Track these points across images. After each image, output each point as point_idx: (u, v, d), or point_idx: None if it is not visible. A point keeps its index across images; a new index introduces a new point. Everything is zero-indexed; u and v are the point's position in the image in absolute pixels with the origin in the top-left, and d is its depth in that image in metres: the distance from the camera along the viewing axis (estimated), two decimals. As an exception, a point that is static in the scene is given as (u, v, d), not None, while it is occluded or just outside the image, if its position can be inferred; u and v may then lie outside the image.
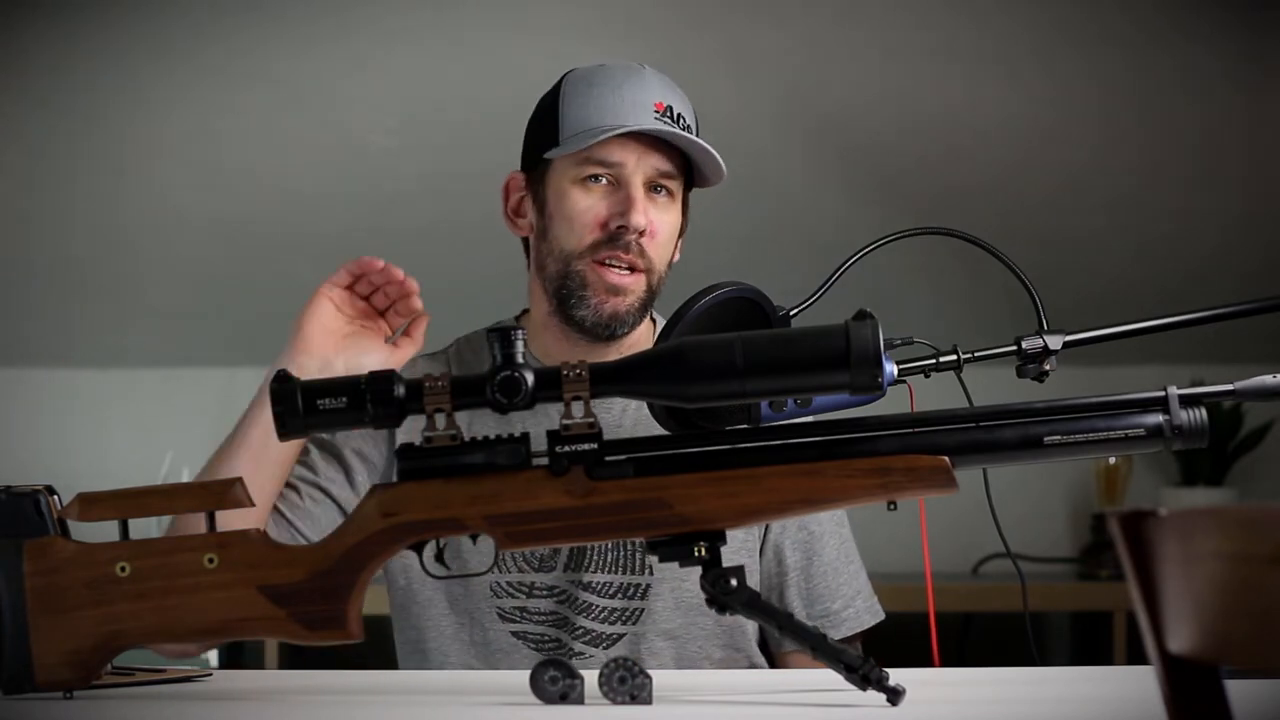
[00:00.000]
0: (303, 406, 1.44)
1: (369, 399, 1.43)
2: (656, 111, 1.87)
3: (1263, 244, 3.75)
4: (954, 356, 1.56)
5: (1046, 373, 1.58)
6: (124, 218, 3.66)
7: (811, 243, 3.66)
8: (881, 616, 1.98)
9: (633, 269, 1.88)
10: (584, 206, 1.88)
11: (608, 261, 1.87)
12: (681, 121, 1.89)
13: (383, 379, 1.44)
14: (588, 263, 1.88)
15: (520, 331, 1.44)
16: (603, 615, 1.89)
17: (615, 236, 1.87)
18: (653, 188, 1.89)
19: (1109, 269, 3.82)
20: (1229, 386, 1.45)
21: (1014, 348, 1.58)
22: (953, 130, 3.55)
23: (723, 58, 3.43)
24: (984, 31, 3.39)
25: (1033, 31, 3.40)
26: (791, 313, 1.59)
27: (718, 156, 1.90)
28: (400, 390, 1.43)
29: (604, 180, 1.88)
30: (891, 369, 1.49)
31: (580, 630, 1.89)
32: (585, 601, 1.89)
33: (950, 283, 3.81)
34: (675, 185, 1.90)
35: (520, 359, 1.43)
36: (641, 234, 1.87)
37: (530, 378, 1.42)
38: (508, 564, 1.91)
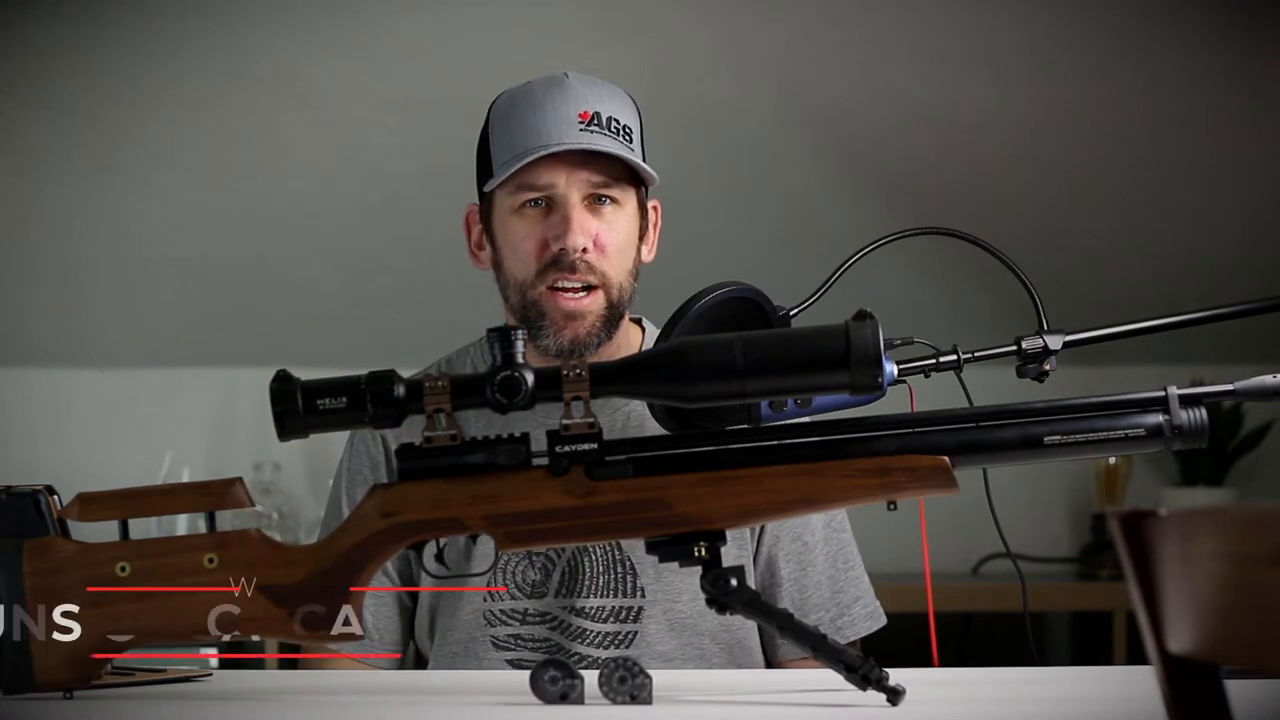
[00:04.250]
0: (303, 406, 1.44)
1: (369, 399, 1.43)
2: (581, 122, 1.84)
3: (1273, 245, 3.75)
4: (954, 356, 1.56)
5: (1046, 373, 1.58)
6: (124, 217, 3.66)
7: (811, 242, 3.66)
8: (882, 622, 1.95)
9: (587, 287, 1.86)
10: (524, 234, 1.86)
11: (559, 284, 1.85)
12: (614, 125, 1.85)
13: (382, 379, 1.44)
14: (541, 291, 1.86)
15: (520, 331, 1.44)
16: (596, 640, 1.88)
17: (559, 259, 1.85)
18: (596, 199, 1.86)
19: (1116, 270, 3.82)
20: (1229, 386, 1.45)
21: (1014, 348, 1.58)
22: (955, 129, 3.55)
23: (721, 56, 3.43)
24: (986, 32, 3.39)
25: (1033, 31, 3.40)
26: (791, 313, 1.59)
27: (646, 166, 1.86)
28: (400, 390, 1.43)
29: (540, 204, 1.86)
30: (891, 369, 1.49)
31: (576, 656, 1.87)
32: (579, 627, 1.88)
33: (951, 283, 3.81)
34: (618, 191, 1.87)
35: (520, 359, 1.43)
36: (585, 252, 1.84)
37: (530, 377, 1.42)
38: (500, 594, 1.90)
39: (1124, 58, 3.43)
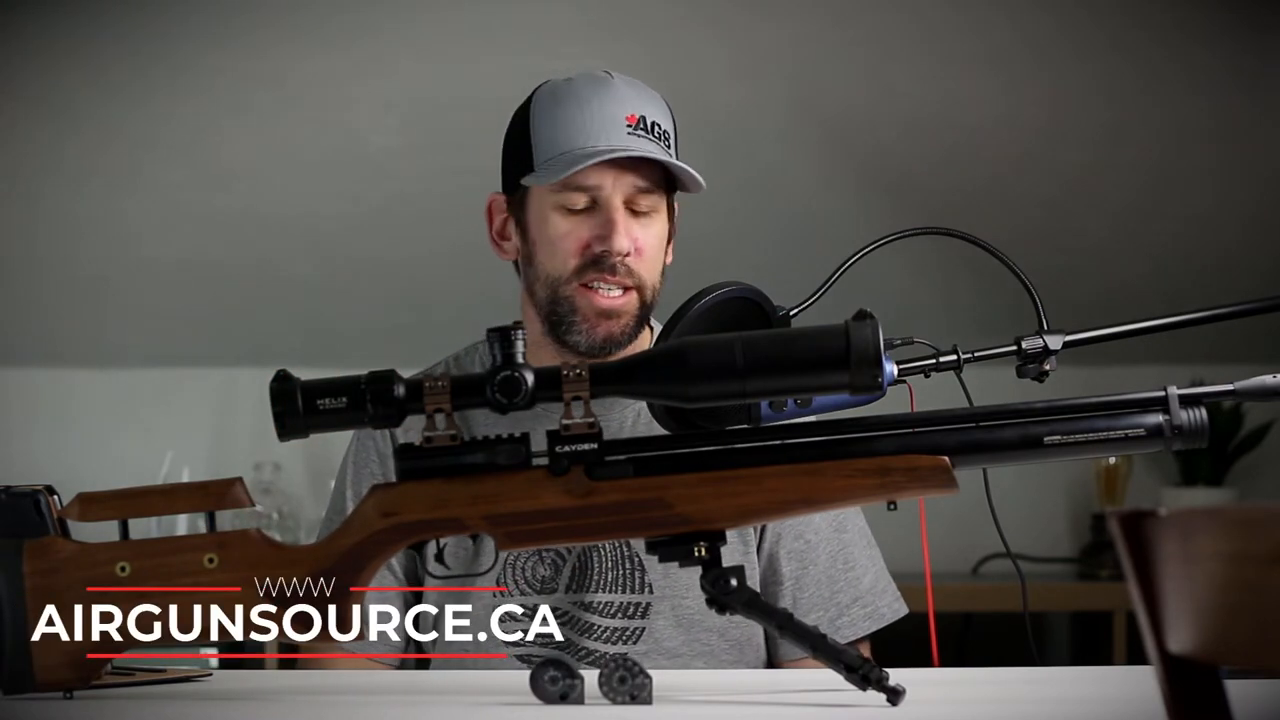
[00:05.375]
0: (303, 406, 1.44)
1: (369, 399, 1.43)
2: (629, 125, 1.84)
3: (1274, 245, 3.75)
4: (954, 356, 1.56)
5: (1046, 373, 1.58)
6: (125, 217, 3.66)
7: (811, 242, 3.66)
8: (886, 621, 1.94)
9: (624, 289, 1.86)
10: (565, 231, 1.86)
11: (595, 284, 1.85)
12: (656, 130, 1.86)
13: (383, 379, 1.44)
14: (575, 287, 1.86)
15: (520, 331, 1.44)
16: (605, 635, 1.88)
17: (599, 260, 1.85)
18: (636, 203, 1.86)
19: (1116, 270, 3.82)
20: (1229, 386, 1.45)
21: (1014, 348, 1.57)
22: (956, 131, 3.55)
23: (723, 57, 3.43)
24: (988, 34, 3.39)
25: (1035, 33, 3.40)
26: (791, 313, 1.59)
27: (693, 171, 1.86)
28: (400, 390, 1.43)
29: (583, 203, 1.86)
30: (891, 369, 1.49)
31: (584, 651, 1.87)
32: (587, 622, 1.88)
33: (951, 283, 3.81)
34: (656, 198, 1.87)
35: (520, 359, 1.43)
36: (626, 255, 1.85)
37: (530, 377, 1.42)
38: (510, 590, 1.90)
39: (1126, 59, 3.43)
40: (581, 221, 1.86)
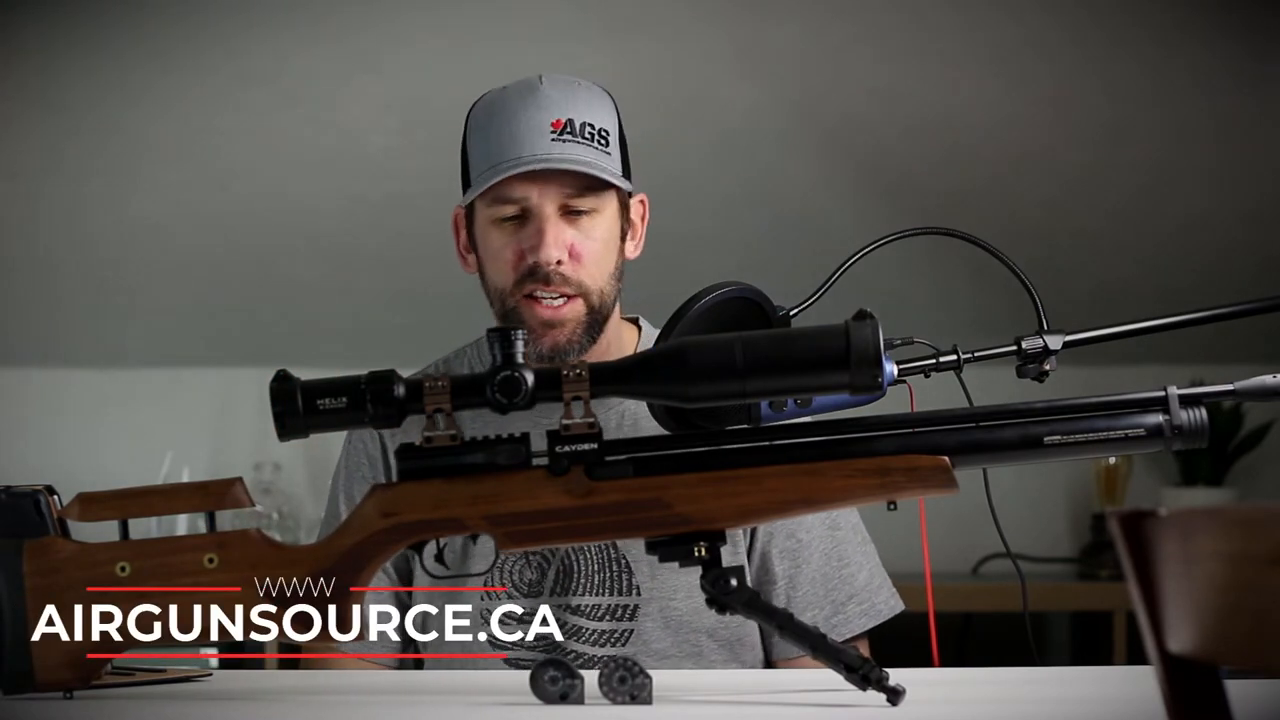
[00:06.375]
0: (303, 406, 1.44)
1: (369, 399, 1.43)
2: (554, 131, 1.83)
3: (1273, 245, 3.75)
4: (954, 356, 1.55)
5: (1046, 373, 1.58)
6: (124, 217, 3.66)
7: (813, 243, 3.66)
8: (883, 618, 1.94)
9: (566, 297, 1.85)
10: (501, 244, 1.86)
11: (536, 294, 1.85)
12: (588, 130, 1.84)
13: (383, 379, 1.44)
14: (519, 299, 1.86)
15: (520, 332, 1.44)
16: (593, 638, 1.88)
17: (534, 271, 1.84)
18: (570, 209, 1.85)
19: (1117, 270, 3.82)
20: (1229, 386, 1.45)
21: (1014, 348, 1.57)
22: (956, 131, 3.55)
23: (725, 59, 3.43)
24: (989, 34, 3.39)
25: (1036, 33, 3.40)
26: (791, 313, 1.59)
27: (611, 178, 1.85)
28: (400, 390, 1.43)
29: (515, 215, 1.85)
30: (891, 369, 1.49)
31: (572, 654, 1.87)
32: (575, 625, 1.88)
33: (951, 283, 3.81)
34: (593, 200, 1.85)
35: (520, 359, 1.43)
36: (559, 264, 1.84)
37: (530, 378, 1.42)
38: (498, 594, 1.90)
39: (1126, 59, 3.43)
40: (515, 233, 1.85)
